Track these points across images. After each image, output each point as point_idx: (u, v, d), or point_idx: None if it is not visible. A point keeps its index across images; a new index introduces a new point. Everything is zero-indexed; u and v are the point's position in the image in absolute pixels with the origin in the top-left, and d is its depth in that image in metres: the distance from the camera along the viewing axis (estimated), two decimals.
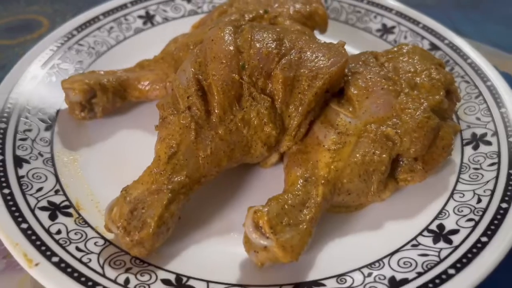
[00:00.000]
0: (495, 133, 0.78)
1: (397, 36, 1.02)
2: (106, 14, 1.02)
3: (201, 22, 0.98)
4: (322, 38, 0.94)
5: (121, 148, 0.80)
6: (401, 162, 0.71)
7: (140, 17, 1.05)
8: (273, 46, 0.70)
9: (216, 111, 0.67)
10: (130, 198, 0.62)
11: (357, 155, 0.68)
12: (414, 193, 0.73)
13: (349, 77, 0.75)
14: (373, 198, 0.70)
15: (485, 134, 0.79)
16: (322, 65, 0.70)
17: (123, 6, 1.05)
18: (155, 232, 0.60)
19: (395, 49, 0.82)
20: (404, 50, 0.81)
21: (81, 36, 0.97)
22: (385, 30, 1.03)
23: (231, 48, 0.69)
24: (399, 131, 0.69)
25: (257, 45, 0.70)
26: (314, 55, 0.71)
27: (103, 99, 0.81)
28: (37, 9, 1.15)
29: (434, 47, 0.97)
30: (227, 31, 0.72)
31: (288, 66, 0.69)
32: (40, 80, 0.86)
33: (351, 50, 0.97)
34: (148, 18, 1.05)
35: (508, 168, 0.72)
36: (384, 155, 0.68)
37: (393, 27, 1.03)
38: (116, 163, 0.77)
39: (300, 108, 0.69)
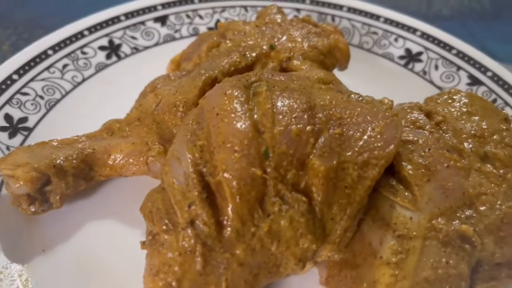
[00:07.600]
0: None
1: (426, 65, 0.83)
2: (56, 47, 0.78)
3: (184, 55, 0.76)
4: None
5: (96, 253, 0.58)
6: (479, 268, 0.53)
7: (101, 48, 0.81)
8: (304, 119, 0.49)
9: (231, 222, 0.46)
10: None
11: (426, 268, 0.49)
12: None
13: (400, 148, 0.56)
14: None
15: None
16: (373, 145, 0.50)
17: (78, 35, 0.80)
18: None
19: (445, 97, 0.64)
20: (459, 100, 0.62)
21: (24, 81, 0.72)
22: (410, 57, 0.84)
23: (247, 127, 0.48)
24: (477, 228, 0.51)
25: (282, 119, 0.49)
26: (359, 127, 0.51)
27: (60, 186, 0.58)
28: None
29: (475, 81, 0.79)
30: (235, 98, 0.50)
31: (328, 150, 0.49)
32: None
33: (371, 85, 0.78)
34: (112, 49, 0.81)
35: None
36: (462, 266, 0.50)
37: (420, 53, 0.84)
38: (89, 280, 0.56)
39: (348, 209, 0.49)
